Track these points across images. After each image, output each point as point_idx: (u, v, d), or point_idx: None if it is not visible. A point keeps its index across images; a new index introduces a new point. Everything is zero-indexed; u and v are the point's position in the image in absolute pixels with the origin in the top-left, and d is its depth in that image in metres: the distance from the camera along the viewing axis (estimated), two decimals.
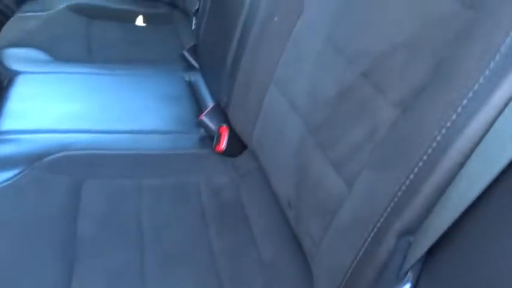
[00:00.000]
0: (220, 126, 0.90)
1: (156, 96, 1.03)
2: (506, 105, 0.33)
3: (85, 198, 0.74)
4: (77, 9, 1.37)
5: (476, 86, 0.35)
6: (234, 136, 0.88)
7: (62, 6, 1.36)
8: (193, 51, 1.21)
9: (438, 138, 0.37)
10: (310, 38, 0.64)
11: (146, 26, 1.43)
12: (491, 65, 0.34)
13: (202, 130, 0.94)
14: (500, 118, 0.34)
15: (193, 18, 1.24)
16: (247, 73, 0.81)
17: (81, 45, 1.21)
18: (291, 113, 0.67)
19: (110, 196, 0.75)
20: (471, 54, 0.36)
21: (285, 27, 0.70)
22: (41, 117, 0.89)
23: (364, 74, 0.51)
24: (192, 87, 1.12)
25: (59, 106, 0.94)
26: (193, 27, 1.24)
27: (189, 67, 1.19)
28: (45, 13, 1.32)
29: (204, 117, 0.92)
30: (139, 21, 1.45)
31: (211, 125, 0.92)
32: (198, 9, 1.19)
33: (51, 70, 1.06)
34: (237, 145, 0.89)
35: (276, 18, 0.71)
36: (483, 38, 0.36)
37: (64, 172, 0.77)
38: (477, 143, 0.35)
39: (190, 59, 1.19)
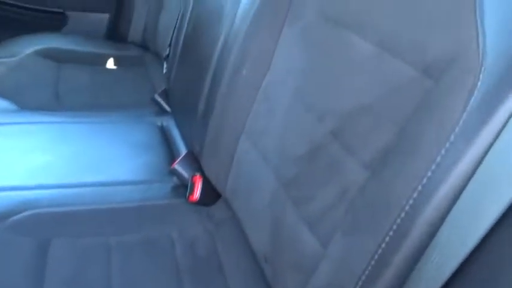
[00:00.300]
0: (193, 175, 0.89)
1: (127, 144, 1.01)
2: (469, 177, 0.34)
3: (52, 261, 0.70)
4: (46, 54, 1.35)
5: (438, 158, 0.35)
6: (207, 185, 0.87)
7: (30, 51, 1.34)
8: (165, 94, 1.20)
9: (406, 208, 0.37)
10: (279, 92, 0.65)
11: (117, 68, 1.42)
12: (452, 137, 0.35)
13: (175, 178, 0.92)
14: (468, 187, 0.34)
15: (164, 63, 1.24)
16: (219, 122, 0.80)
17: (49, 92, 1.19)
18: (263, 165, 0.67)
19: (78, 257, 0.72)
20: (431, 125, 0.37)
21: (254, 80, 0.71)
22: (4, 174, 0.86)
23: (333, 133, 0.52)
24: (164, 133, 1.11)
25: (24, 160, 0.90)
26: (164, 71, 1.24)
27: (161, 111, 1.18)
28: (13, 59, 1.30)
29: (176, 166, 0.91)
30: (110, 64, 1.44)
31: (184, 174, 0.91)
32: (168, 55, 1.20)
33: (16, 120, 1.03)
34: (211, 194, 0.88)
35: (244, 72, 0.72)
36: (442, 110, 0.37)
37: (29, 233, 0.74)
38: (446, 213, 0.36)
39: (162, 103, 1.19)
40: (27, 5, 1.48)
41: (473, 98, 0.34)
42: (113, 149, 0.99)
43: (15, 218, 0.75)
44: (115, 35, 1.57)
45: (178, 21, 1.18)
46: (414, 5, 0.44)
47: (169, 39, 1.25)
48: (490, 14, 0.35)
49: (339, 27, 0.55)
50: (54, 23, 1.52)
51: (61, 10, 1.51)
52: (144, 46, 1.55)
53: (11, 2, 1.45)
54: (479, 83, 0.34)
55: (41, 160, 0.91)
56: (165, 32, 1.36)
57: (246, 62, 0.72)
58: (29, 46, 1.35)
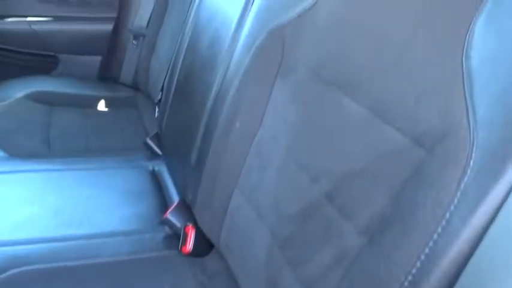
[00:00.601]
0: (186, 225, 0.87)
1: (117, 192, 0.99)
2: (467, 257, 0.34)
3: None
4: (37, 98, 1.35)
5: (435, 236, 0.35)
6: (200, 235, 0.85)
7: (20, 95, 1.34)
8: (157, 138, 1.20)
9: (406, 284, 0.37)
10: (271, 148, 0.65)
11: (109, 110, 1.42)
12: (447, 215, 0.35)
13: (167, 228, 0.90)
14: (467, 269, 0.34)
15: (156, 107, 1.25)
16: (212, 173, 0.80)
17: (39, 137, 1.18)
18: (258, 221, 0.66)
19: None
20: (428, 199, 0.37)
21: (247, 133, 0.71)
22: None
23: (327, 195, 0.51)
24: (156, 178, 1.10)
25: (11, 212, 0.88)
26: (156, 115, 1.24)
27: (153, 155, 1.18)
28: (2, 103, 1.29)
29: (169, 215, 0.89)
30: (102, 106, 1.44)
31: (177, 223, 0.89)
32: (160, 99, 1.20)
33: (4, 169, 1.02)
34: (204, 244, 0.86)
35: (237, 124, 0.72)
36: (437, 185, 0.37)
37: None
38: None
39: (154, 147, 1.18)
40: (17, 49, 1.48)
41: (466, 176, 0.34)
42: (102, 198, 0.97)
43: (0, 277, 0.73)
44: (107, 76, 1.58)
45: (170, 67, 1.20)
46: (403, 73, 0.44)
47: (161, 84, 1.25)
48: (480, 87, 0.36)
49: (331, 87, 0.56)
50: (46, 65, 1.53)
51: (53, 53, 1.52)
52: (135, 87, 1.55)
53: (1, 46, 1.46)
54: (471, 161, 0.34)
55: (28, 212, 0.89)
56: (156, 75, 1.37)
57: (239, 114, 0.73)
58: (19, 90, 1.35)
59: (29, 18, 1.48)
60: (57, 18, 1.50)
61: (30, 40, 1.48)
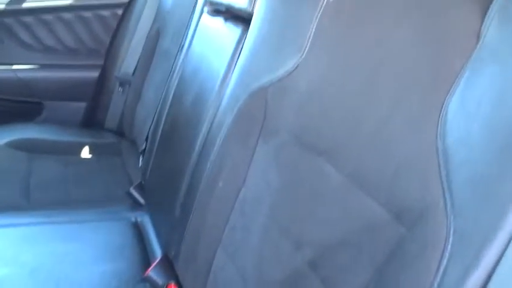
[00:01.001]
0: (168, 284, 0.85)
1: (98, 247, 0.97)
2: None
3: None
4: (18, 146, 1.33)
5: None
6: None
7: (1, 143, 1.32)
8: (141, 187, 1.18)
9: None
10: (254, 209, 0.65)
11: (92, 158, 1.41)
12: None
13: (148, 286, 0.88)
14: None
15: (141, 156, 1.24)
16: (196, 231, 0.79)
17: (18, 188, 1.15)
18: (241, 284, 0.65)
19: None
20: (409, 281, 0.37)
21: (230, 193, 0.70)
22: None
23: (311, 265, 0.51)
24: (138, 230, 1.08)
25: None
26: (140, 164, 1.24)
27: (136, 205, 1.16)
28: None
29: (151, 273, 0.87)
30: (85, 153, 1.42)
31: (159, 281, 0.86)
32: (145, 149, 1.20)
33: None
34: None
35: (220, 184, 0.72)
36: (417, 268, 0.37)
37: None
38: None
39: (138, 197, 1.17)
40: (2, 96, 1.48)
41: (445, 259, 0.34)
42: (82, 254, 0.94)
43: None
44: (91, 122, 1.58)
45: (156, 116, 1.20)
46: (381, 148, 0.45)
47: (147, 132, 1.25)
48: (455, 171, 0.37)
49: (311, 153, 0.57)
50: (29, 112, 1.52)
51: (37, 100, 1.52)
52: (120, 133, 1.55)
53: None
54: (449, 246, 0.34)
55: (1, 274, 0.85)
56: (142, 122, 1.37)
57: (222, 173, 0.73)
58: (1, 138, 1.33)
59: (15, 66, 1.49)
60: (44, 66, 1.51)
61: (15, 88, 1.48)
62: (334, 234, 0.49)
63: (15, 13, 1.45)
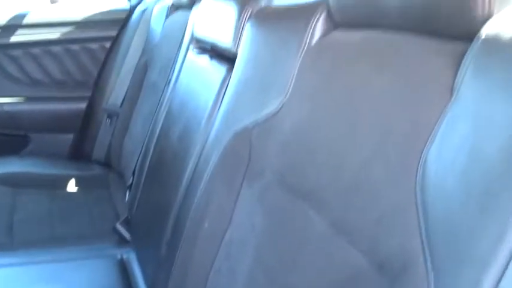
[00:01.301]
0: None
1: None
2: None
3: None
4: (3, 180, 1.31)
5: None
6: None
7: None
8: (127, 223, 1.17)
9: None
10: (240, 251, 0.64)
11: (79, 191, 1.38)
12: None
13: None
14: None
15: (128, 191, 1.23)
16: (182, 273, 0.77)
17: (1, 225, 1.12)
18: None
19: None
20: None
21: (216, 234, 0.69)
22: None
23: None
24: (124, 268, 1.05)
25: None
26: (126, 199, 1.22)
27: (122, 241, 1.14)
28: None
29: None
30: (71, 186, 1.40)
31: None
32: (132, 184, 1.19)
33: None
34: None
35: (206, 224, 0.71)
36: None
37: None
38: None
39: (124, 232, 1.14)
40: None
41: None
42: None
43: None
44: (78, 154, 1.56)
45: (143, 150, 1.20)
46: (363, 194, 0.45)
47: (134, 165, 1.24)
48: (433, 226, 0.36)
49: (296, 195, 0.56)
50: (15, 145, 1.51)
51: (23, 133, 1.50)
52: (107, 164, 1.54)
53: None
54: None
55: None
56: (129, 154, 1.36)
57: (208, 212, 0.72)
58: None
59: (1, 99, 1.48)
60: (30, 99, 1.51)
61: (1, 120, 1.46)
62: (319, 284, 0.48)
63: (3, 47, 1.45)
